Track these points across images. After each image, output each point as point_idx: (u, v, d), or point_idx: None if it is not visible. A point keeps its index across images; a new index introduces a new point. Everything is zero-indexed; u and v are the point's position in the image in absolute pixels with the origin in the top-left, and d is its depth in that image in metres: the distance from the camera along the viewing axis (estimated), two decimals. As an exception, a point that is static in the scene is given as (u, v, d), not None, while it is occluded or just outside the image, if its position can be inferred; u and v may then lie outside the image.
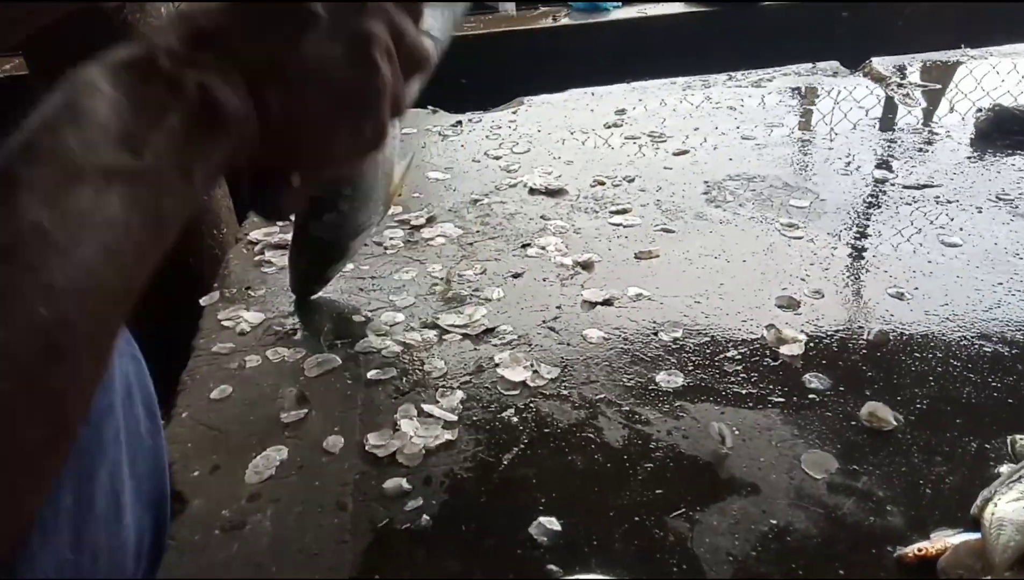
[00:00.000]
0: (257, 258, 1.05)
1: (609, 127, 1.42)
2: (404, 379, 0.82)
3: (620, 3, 2.56)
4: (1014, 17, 2.53)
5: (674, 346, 0.84)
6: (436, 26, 0.52)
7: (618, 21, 2.51)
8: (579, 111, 1.51)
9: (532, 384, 0.80)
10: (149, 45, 0.35)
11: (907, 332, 0.86)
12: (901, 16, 2.59)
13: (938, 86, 1.54)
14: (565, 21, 2.50)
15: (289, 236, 1.08)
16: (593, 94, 1.58)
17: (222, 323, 0.91)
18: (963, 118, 1.39)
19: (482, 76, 2.38)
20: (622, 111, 1.49)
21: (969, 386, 0.77)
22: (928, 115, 1.43)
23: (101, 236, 0.31)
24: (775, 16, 2.53)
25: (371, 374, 0.82)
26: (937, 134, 1.33)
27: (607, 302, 0.93)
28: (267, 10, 0.38)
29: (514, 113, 1.51)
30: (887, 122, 1.41)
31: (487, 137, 1.41)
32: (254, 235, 1.10)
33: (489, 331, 0.89)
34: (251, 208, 0.43)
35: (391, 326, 0.91)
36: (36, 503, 0.32)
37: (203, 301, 0.96)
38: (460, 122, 1.47)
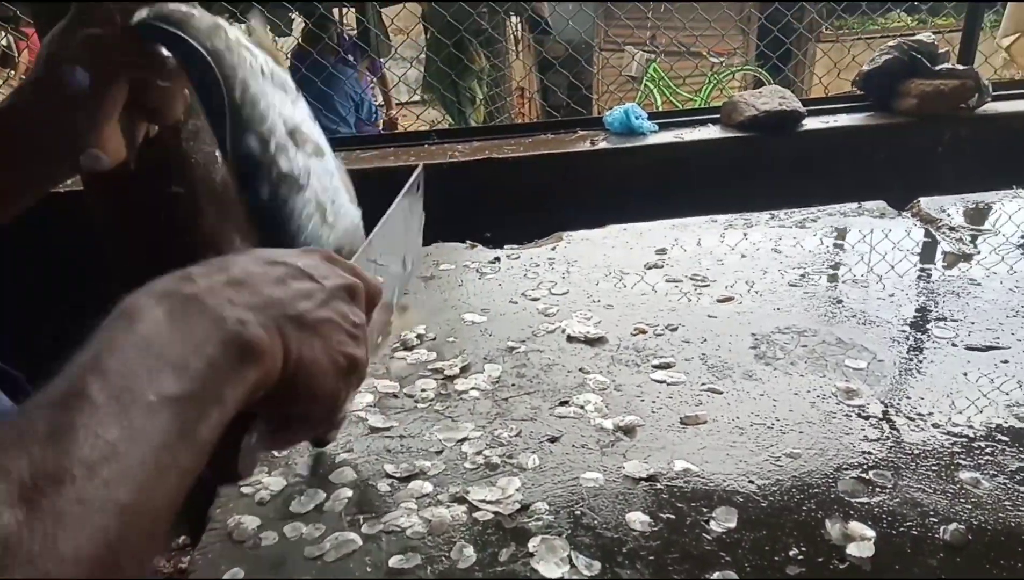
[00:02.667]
0: (283, 411, 1.01)
1: (650, 268, 1.39)
2: (429, 568, 0.75)
3: (656, 128, 2.60)
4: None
5: (728, 539, 0.76)
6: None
7: (655, 145, 2.54)
8: (618, 249, 1.48)
9: (570, 581, 0.72)
10: (191, 281, 0.41)
11: (988, 531, 0.77)
12: (940, 144, 2.59)
13: (993, 230, 1.49)
14: (603, 145, 2.54)
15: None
16: (632, 230, 1.56)
17: (241, 490, 0.86)
18: (1018, 266, 1.33)
19: (521, 197, 2.41)
20: (662, 250, 1.46)
21: (1071, 611, 0.67)
22: (984, 262, 1.37)
23: (155, 457, 0.34)
24: (814, 142, 2.54)
25: (393, 561, 0.76)
26: (996, 287, 1.26)
27: (652, 478, 0.86)
28: (287, 273, 0.46)
29: (553, 249, 1.49)
30: (940, 269, 1.36)
31: (525, 276, 1.38)
32: (282, 384, 1.06)
33: (523, 509, 0.82)
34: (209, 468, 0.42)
35: (418, 498, 0.85)
36: None
37: (224, 460, 0.92)
38: (498, 258, 1.45)
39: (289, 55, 3.32)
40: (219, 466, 0.43)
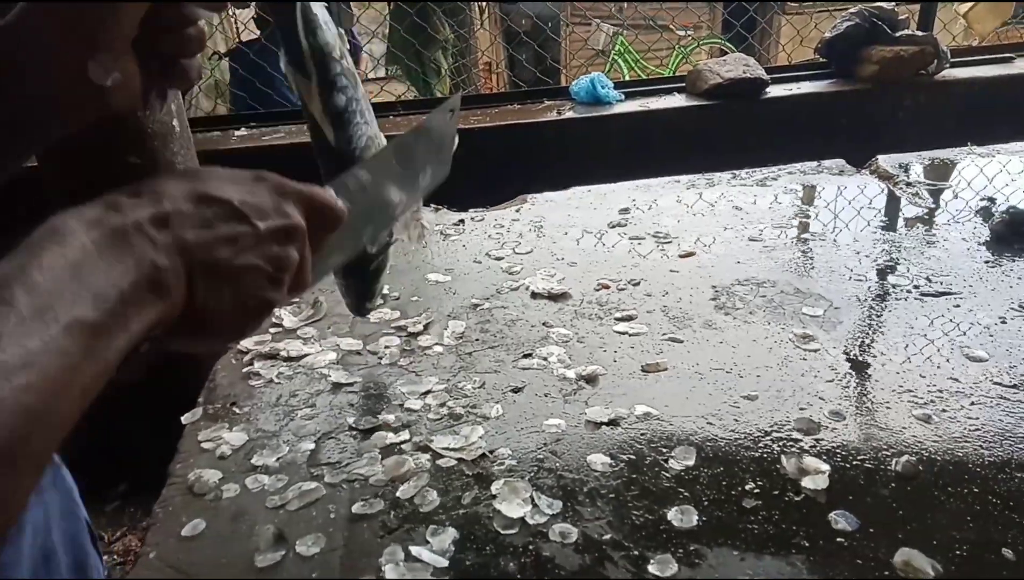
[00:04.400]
0: (245, 370, 1.00)
1: (613, 226, 1.40)
2: (392, 514, 0.75)
3: (623, 97, 2.60)
4: (1015, 110, 2.56)
5: (686, 477, 0.78)
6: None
7: (621, 115, 2.54)
8: (582, 209, 1.48)
9: (531, 521, 0.73)
10: (119, 212, 0.42)
11: (938, 461, 0.79)
12: (900, 109, 2.63)
13: (947, 185, 1.52)
14: (569, 114, 2.54)
15: (280, 344, 1.04)
16: (596, 192, 1.56)
17: (202, 446, 0.86)
18: (971, 218, 1.36)
19: (488, 167, 2.40)
20: (626, 210, 1.46)
21: (1013, 529, 0.70)
22: (938, 215, 1.40)
23: (65, 371, 0.36)
24: (777, 109, 2.56)
25: (356, 507, 0.76)
26: (949, 237, 1.30)
27: (613, 422, 0.87)
28: (218, 213, 0.46)
29: (517, 211, 1.49)
30: (897, 222, 1.38)
31: (489, 236, 1.38)
32: (245, 343, 1.05)
33: (486, 455, 0.83)
34: None
35: (381, 448, 0.85)
36: None
37: (185, 419, 0.91)
38: (463, 221, 1.44)
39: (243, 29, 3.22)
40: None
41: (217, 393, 0.96)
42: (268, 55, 2.64)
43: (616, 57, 5.60)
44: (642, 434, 0.85)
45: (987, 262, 1.20)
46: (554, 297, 1.15)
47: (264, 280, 0.48)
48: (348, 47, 0.73)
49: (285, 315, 1.12)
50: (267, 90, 2.66)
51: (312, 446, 0.85)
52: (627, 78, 5.21)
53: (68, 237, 0.40)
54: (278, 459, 0.84)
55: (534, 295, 1.16)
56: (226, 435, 0.87)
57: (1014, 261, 1.19)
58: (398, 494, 0.78)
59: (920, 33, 2.65)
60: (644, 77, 5.16)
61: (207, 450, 0.85)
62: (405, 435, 0.86)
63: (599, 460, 0.81)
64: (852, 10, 2.73)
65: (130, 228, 0.42)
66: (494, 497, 0.76)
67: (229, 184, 0.48)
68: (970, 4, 2.93)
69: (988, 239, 1.27)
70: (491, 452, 0.83)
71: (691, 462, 0.80)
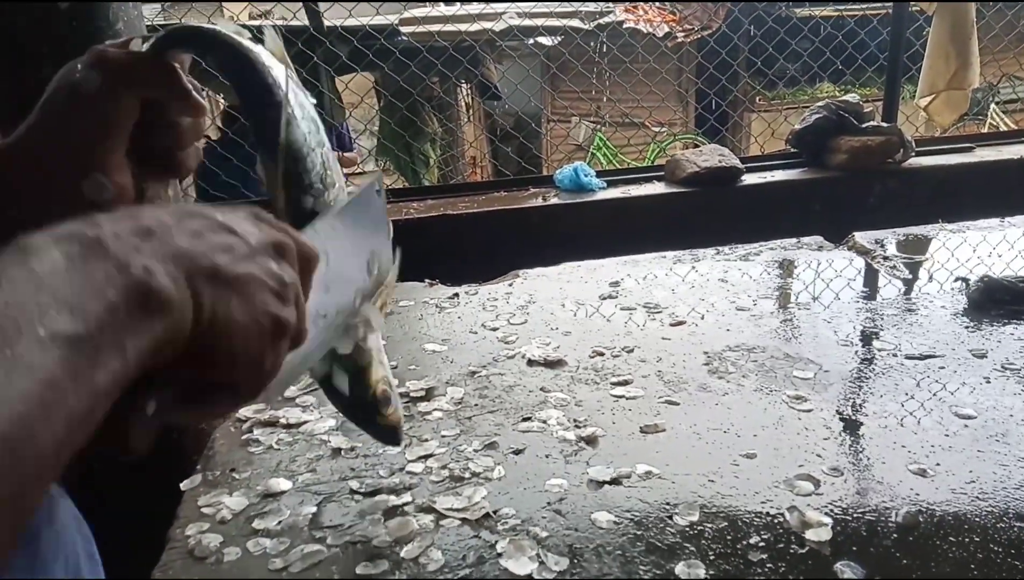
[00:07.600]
0: (245, 437, 1.00)
1: (604, 298, 1.43)
2: (396, 574, 0.74)
3: (605, 185, 2.70)
4: (979, 194, 2.69)
5: (691, 532, 0.78)
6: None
7: (604, 201, 2.63)
8: (573, 283, 1.53)
9: (538, 578, 0.72)
10: (96, 225, 0.37)
11: (937, 513, 0.80)
12: (872, 195, 2.76)
13: (923, 257, 1.58)
14: (554, 201, 2.63)
15: (280, 412, 1.05)
16: (586, 267, 1.61)
17: (202, 510, 0.85)
18: (948, 287, 1.41)
19: (478, 250, 2.46)
20: (616, 283, 1.51)
21: (1018, 576, 0.70)
22: (916, 286, 1.45)
23: (40, 392, 0.31)
24: (753, 195, 2.67)
25: (360, 569, 0.75)
26: (929, 306, 1.34)
27: (615, 481, 0.87)
28: (205, 225, 0.41)
29: (510, 286, 1.53)
30: (876, 293, 1.43)
31: (484, 309, 1.41)
32: (243, 411, 1.05)
33: (490, 515, 0.82)
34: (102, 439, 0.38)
35: (384, 510, 0.84)
36: None
37: (183, 485, 0.90)
38: (457, 294, 1.48)
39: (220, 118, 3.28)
40: (112, 436, 0.38)
41: (216, 460, 0.96)
42: (236, 149, 2.71)
43: (595, 151, 5.84)
44: (645, 491, 0.85)
45: (967, 327, 1.24)
46: (550, 364, 1.17)
47: (269, 294, 0.42)
48: (332, 140, 0.65)
49: (284, 384, 1.12)
50: (234, 182, 2.68)
51: (314, 509, 0.85)
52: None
53: (35, 251, 0.34)
54: (279, 523, 0.83)
55: (530, 362, 1.18)
56: (226, 500, 0.86)
57: (992, 325, 1.24)
58: (402, 554, 0.77)
59: (885, 124, 2.80)
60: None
61: (207, 514, 0.84)
62: (407, 497, 0.86)
63: (604, 517, 0.81)
64: (820, 104, 2.90)
65: (109, 237, 0.36)
66: (500, 555, 0.76)
67: (203, 207, 0.44)
68: (929, 97, 3.12)
69: (966, 306, 1.32)
70: (495, 512, 0.83)
71: (695, 517, 0.80)
